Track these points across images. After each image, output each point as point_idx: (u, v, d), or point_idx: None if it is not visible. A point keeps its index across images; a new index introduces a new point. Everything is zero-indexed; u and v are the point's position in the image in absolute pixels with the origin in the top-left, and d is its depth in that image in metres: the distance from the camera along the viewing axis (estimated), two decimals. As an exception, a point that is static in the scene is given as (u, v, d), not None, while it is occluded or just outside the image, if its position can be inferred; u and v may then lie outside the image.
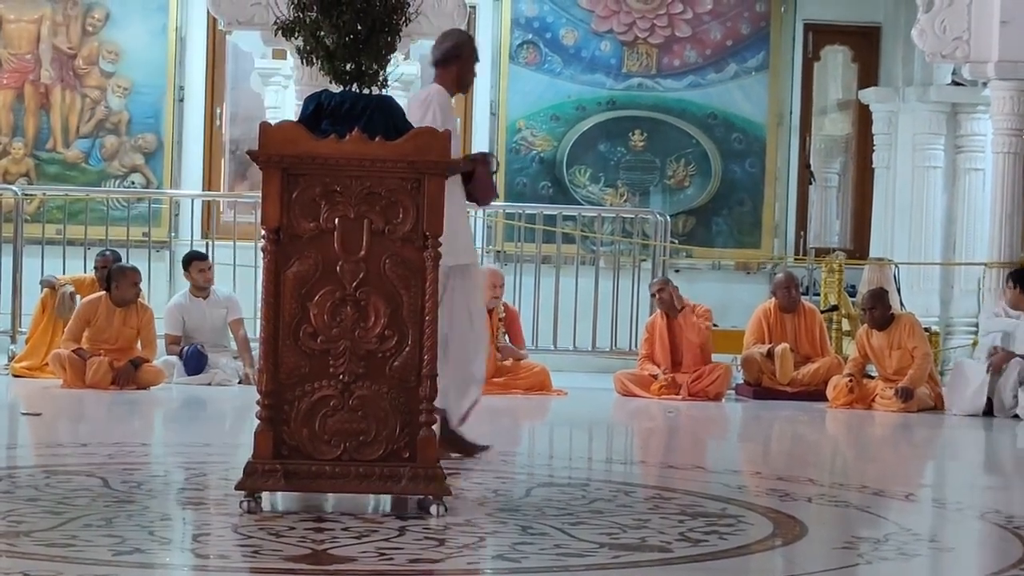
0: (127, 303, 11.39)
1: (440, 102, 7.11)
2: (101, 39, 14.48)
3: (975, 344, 12.57)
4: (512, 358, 11.94)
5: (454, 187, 7.09)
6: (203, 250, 12.87)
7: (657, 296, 12.06)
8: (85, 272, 12.70)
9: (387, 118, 5.50)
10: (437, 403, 7.19)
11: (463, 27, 12.48)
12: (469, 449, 7.20)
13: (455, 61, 7.26)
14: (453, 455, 7.05)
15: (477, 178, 7.12)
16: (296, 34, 5.59)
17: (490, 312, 12.08)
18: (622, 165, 15.04)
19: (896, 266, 13.54)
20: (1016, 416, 10.98)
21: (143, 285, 12.60)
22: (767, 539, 5.31)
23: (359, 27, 5.48)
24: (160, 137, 14.53)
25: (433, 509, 5.36)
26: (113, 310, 11.36)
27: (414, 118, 7.15)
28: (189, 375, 11.65)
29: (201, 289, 12.12)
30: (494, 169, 7.32)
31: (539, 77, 14.95)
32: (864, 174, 15.52)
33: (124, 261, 12.10)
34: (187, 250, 13.31)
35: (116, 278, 11.48)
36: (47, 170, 14.46)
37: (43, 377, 11.57)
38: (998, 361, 11.11)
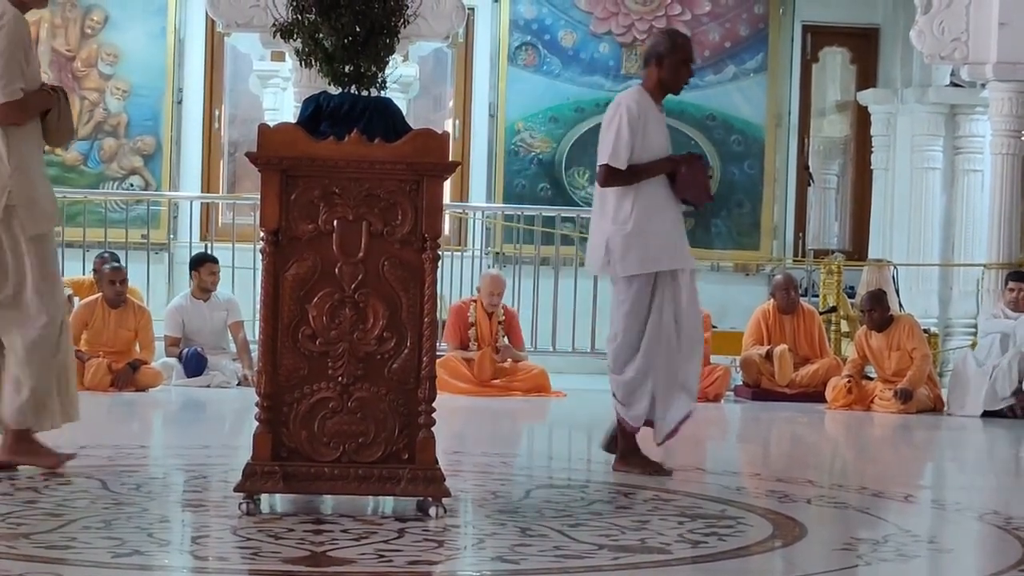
0: (118, 304, 11.38)
1: (630, 104, 6.94)
2: (100, 41, 14.48)
3: (974, 345, 12.56)
4: (511, 360, 11.95)
5: (657, 189, 6.92)
6: (201, 251, 12.87)
7: None
8: (84, 274, 12.71)
9: (386, 120, 5.49)
10: (642, 412, 6.93)
11: (461, 29, 12.50)
12: (650, 467, 6.90)
13: (657, 61, 7.04)
14: (633, 470, 6.86)
15: (680, 180, 6.92)
16: (295, 36, 5.59)
17: (490, 315, 12.11)
18: (621, 167, 15.03)
19: (895, 267, 13.55)
20: (1011, 410, 11.03)
21: (142, 288, 12.62)
22: (766, 540, 5.31)
23: (358, 29, 5.48)
24: (159, 139, 14.53)
25: (432, 511, 5.35)
26: (109, 312, 11.37)
27: (605, 119, 6.99)
28: (189, 377, 11.66)
29: (204, 291, 12.12)
30: (709, 173, 7.12)
31: (538, 79, 14.95)
32: (863, 175, 15.53)
33: (121, 263, 12.10)
34: (186, 252, 13.33)
35: (97, 278, 11.59)
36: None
37: (42, 379, 11.55)
38: None
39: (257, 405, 5.38)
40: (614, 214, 6.94)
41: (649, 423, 7.03)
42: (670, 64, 7.02)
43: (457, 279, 13.28)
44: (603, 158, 6.92)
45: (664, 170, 6.92)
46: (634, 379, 6.94)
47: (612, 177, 6.92)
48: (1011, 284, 11.60)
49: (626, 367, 6.95)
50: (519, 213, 14.21)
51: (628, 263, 6.93)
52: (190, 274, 12.30)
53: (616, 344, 6.99)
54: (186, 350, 11.80)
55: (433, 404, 5.39)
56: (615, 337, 6.99)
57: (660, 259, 6.94)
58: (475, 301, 12.21)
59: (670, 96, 7.22)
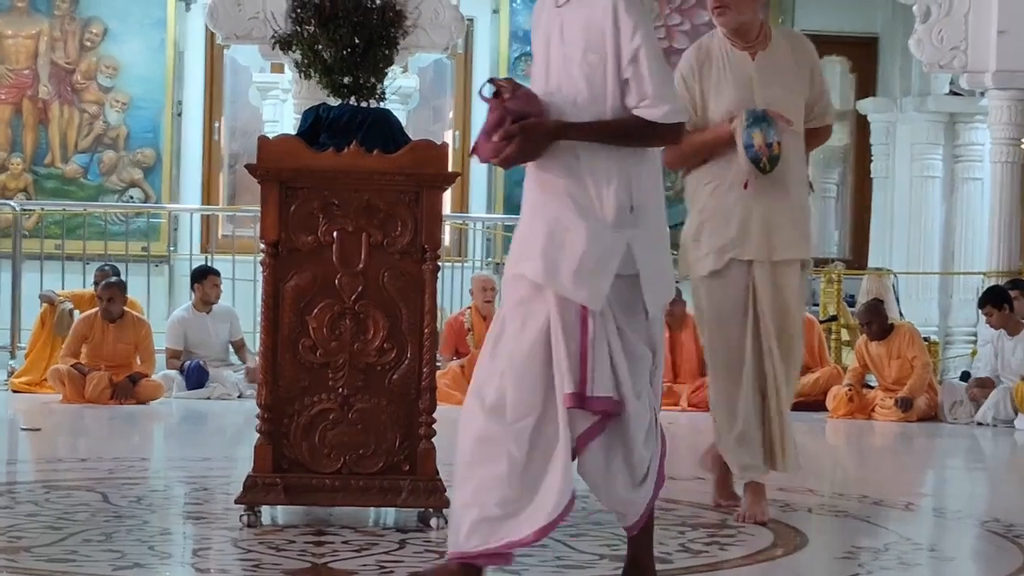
0: (114, 318, 11.38)
1: None
2: (99, 54, 14.49)
3: (974, 353, 12.56)
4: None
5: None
6: (203, 264, 12.89)
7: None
8: (84, 287, 12.71)
9: (385, 131, 5.50)
10: None
11: (460, 40, 12.48)
12: None
13: None
14: None
15: None
16: (294, 48, 5.59)
17: (485, 318, 12.13)
18: (620, 177, 15.04)
19: (895, 276, 13.56)
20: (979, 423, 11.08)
21: (142, 301, 12.63)
22: (767, 549, 5.30)
23: (357, 40, 5.48)
24: (159, 151, 14.54)
25: (433, 522, 5.35)
26: (108, 325, 11.37)
27: None
28: (190, 390, 11.67)
29: (206, 304, 12.13)
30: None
31: (537, 89, 14.94)
32: (863, 184, 15.53)
33: (122, 276, 12.12)
34: (186, 264, 13.34)
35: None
36: (45, 185, 14.47)
37: (42, 392, 11.57)
38: (977, 395, 11.22)
39: (258, 417, 5.39)
40: None
41: None
42: None
43: (457, 290, 13.28)
44: None
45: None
46: None
47: None
48: (987, 308, 11.45)
49: None
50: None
51: None
52: (192, 287, 12.29)
53: None
54: (188, 363, 11.81)
55: (434, 415, 5.39)
56: None
57: None
58: (469, 309, 12.31)
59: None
